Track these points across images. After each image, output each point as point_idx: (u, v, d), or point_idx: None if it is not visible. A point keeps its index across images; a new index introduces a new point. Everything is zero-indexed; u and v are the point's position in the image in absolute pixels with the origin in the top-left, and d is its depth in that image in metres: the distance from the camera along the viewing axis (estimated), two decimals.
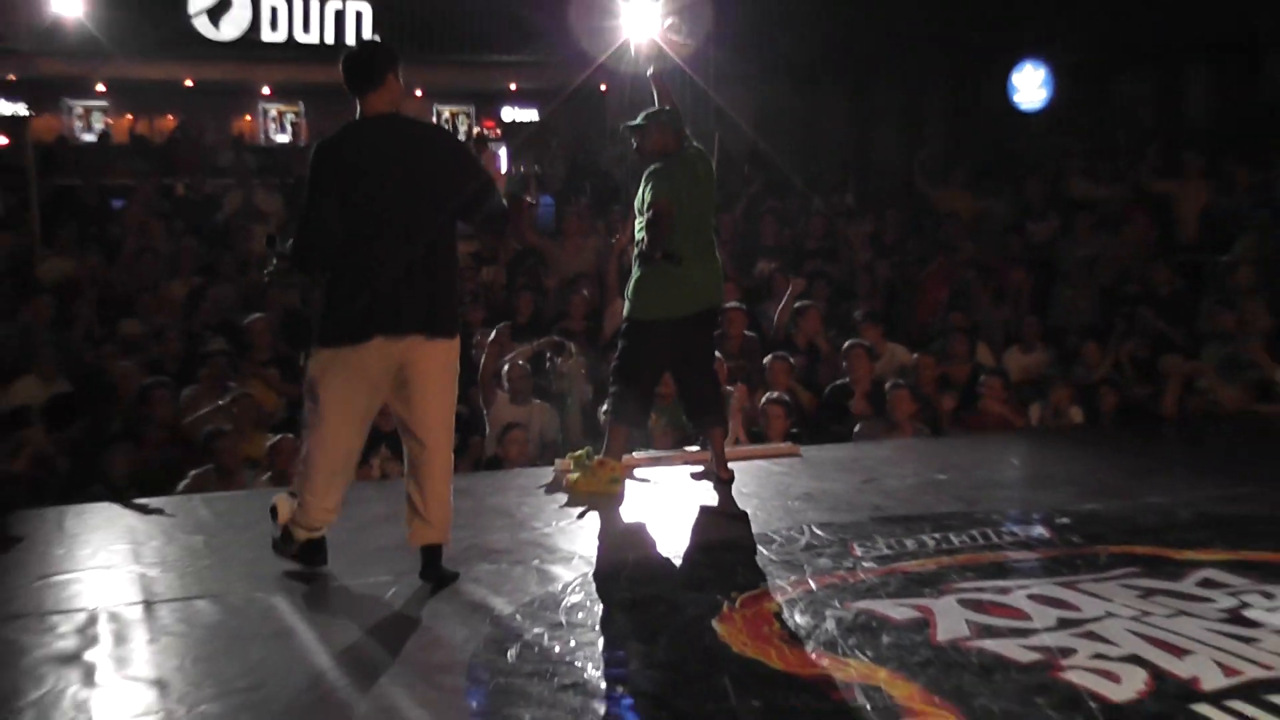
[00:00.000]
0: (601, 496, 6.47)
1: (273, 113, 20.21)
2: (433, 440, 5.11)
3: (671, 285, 6.52)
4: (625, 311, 6.73)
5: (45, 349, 9.13)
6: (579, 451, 6.87)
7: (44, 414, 8.24)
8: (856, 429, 8.52)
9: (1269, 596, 4.68)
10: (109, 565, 5.50)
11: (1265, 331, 9.61)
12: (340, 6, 16.32)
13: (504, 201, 5.35)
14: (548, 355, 9.31)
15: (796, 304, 10.10)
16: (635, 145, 6.83)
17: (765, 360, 9.18)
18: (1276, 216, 11.07)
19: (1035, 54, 15.90)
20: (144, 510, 6.57)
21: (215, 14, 15.46)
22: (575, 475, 6.67)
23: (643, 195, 6.60)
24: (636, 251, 6.68)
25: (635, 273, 6.65)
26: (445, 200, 5.02)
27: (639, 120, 6.71)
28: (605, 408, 6.90)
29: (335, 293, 5.02)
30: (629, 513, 6.32)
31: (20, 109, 14.00)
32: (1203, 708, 3.69)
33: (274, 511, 5.25)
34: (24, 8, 13.03)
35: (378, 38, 16.42)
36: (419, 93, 21.33)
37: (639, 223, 6.68)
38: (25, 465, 7.65)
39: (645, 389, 6.79)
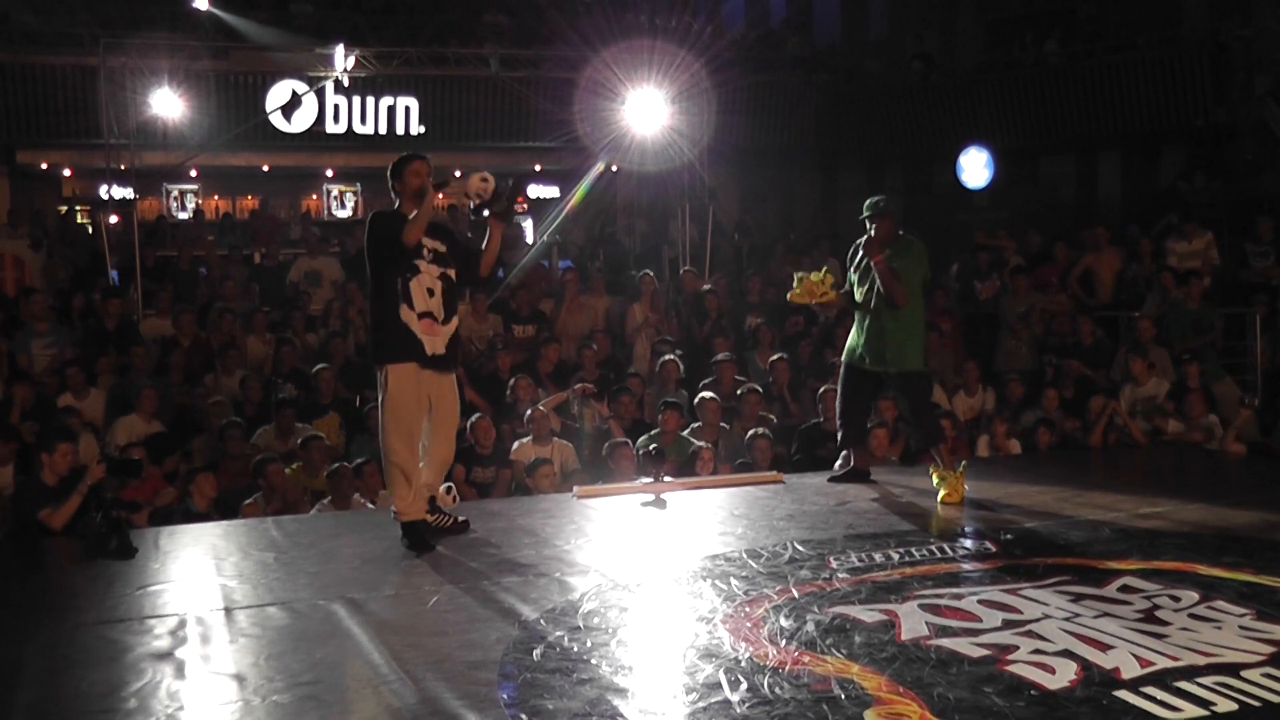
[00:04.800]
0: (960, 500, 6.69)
1: (335, 192, 20.32)
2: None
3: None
4: (912, 364, 7.08)
5: (146, 393, 9.16)
6: (942, 472, 6.83)
7: (144, 448, 8.25)
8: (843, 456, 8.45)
9: (1175, 599, 4.67)
10: (195, 577, 5.50)
11: (1166, 373, 9.64)
12: (392, 102, 16.39)
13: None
14: (575, 401, 9.34)
15: (772, 358, 10.16)
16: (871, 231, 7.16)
17: (740, 391, 9.31)
18: (1174, 278, 11.14)
19: (979, 139, 16.00)
20: (224, 531, 6.59)
21: (287, 110, 15.56)
22: (945, 491, 6.73)
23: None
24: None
25: (909, 331, 7.07)
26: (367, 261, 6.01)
27: (868, 212, 7.11)
28: (919, 443, 7.41)
29: None
30: (636, 533, 6.31)
31: (128, 193, 14.06)
32: (1122, 693, 3.68)
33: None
34: (131, 110, 13.15)
35: (424, 129, 16.54)
36: (458, 173, 21.40)
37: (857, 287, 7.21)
38: (129, 492, 7.66)
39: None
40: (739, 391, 9.42)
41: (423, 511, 5.98)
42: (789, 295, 7.61)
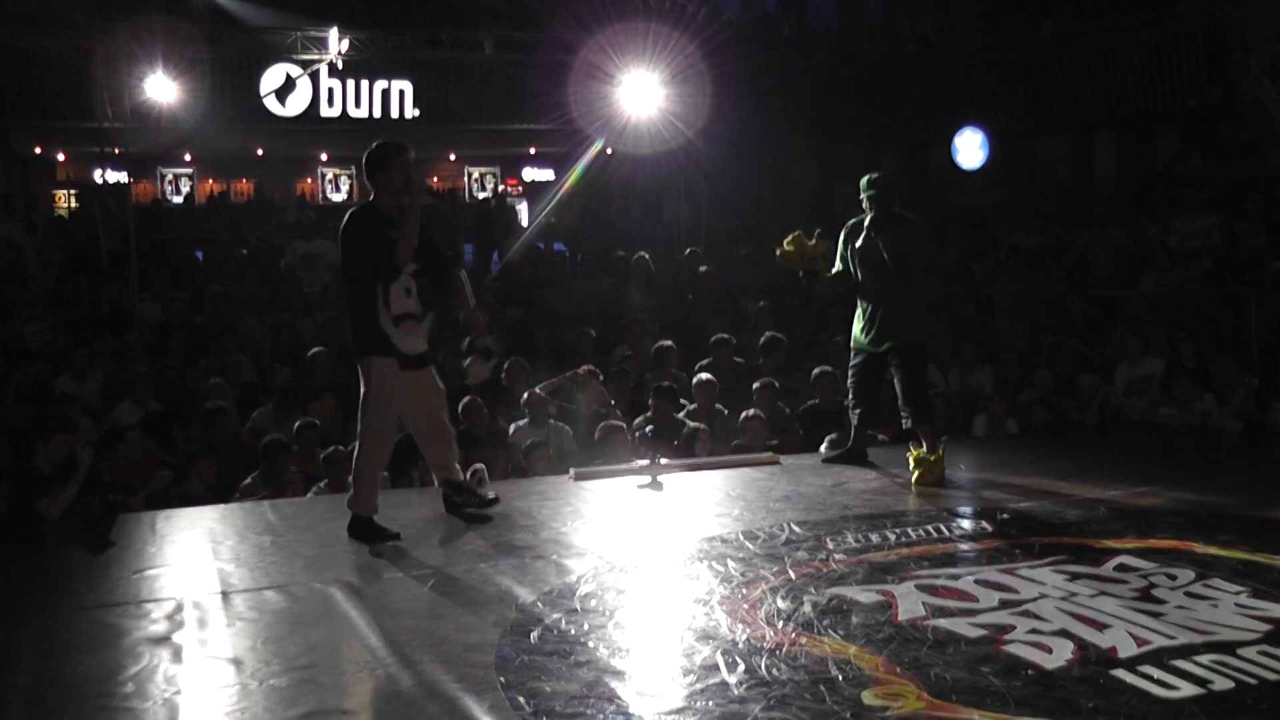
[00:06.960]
0: (939, 483, 6.65)
1: (329, 176, 20.37)
2: None
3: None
4: (908, 338, 7.01)
5: (140, 378, 9.12)
6: (919, 453, 6.77)
7: (141, 428, 8.22)
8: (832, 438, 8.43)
9: (1172, 578, 4.68)
10: (192, 561, 5.49)
11: (1162, 353, 9.64)
12: (386, 85, 16.30)
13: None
14: (573, 384, 9.30)
15: (766, 335, 10.11)
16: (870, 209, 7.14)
17: (755, 385, 9.24)
18: (1170, 258, 11.12)
19: (974, 120, 15.94)
20: (220, 514, 6.57)
21: (281, 94, 15.46)
22: (919, 472, 6.70)
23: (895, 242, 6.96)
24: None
25: (900, 306, 7.00)
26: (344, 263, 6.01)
27: (870, 191, 7.07)
28: (908, 419, 7.11)
29: None
30: (632, 515, 6.30)
31: (123, 177, 14.00)
32: (1119, 672, 3.68)
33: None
34: (126, 94, 13.08)
35: (418, 112, 16.46)
36: (452, 156, 21.36)
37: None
38: (125, 476, 7.64)
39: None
40: (754, 385, 9.34)
41: (375, 509, 5.89)
42: (777, 252, 7.42)
